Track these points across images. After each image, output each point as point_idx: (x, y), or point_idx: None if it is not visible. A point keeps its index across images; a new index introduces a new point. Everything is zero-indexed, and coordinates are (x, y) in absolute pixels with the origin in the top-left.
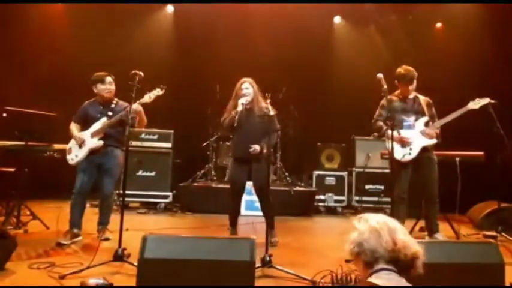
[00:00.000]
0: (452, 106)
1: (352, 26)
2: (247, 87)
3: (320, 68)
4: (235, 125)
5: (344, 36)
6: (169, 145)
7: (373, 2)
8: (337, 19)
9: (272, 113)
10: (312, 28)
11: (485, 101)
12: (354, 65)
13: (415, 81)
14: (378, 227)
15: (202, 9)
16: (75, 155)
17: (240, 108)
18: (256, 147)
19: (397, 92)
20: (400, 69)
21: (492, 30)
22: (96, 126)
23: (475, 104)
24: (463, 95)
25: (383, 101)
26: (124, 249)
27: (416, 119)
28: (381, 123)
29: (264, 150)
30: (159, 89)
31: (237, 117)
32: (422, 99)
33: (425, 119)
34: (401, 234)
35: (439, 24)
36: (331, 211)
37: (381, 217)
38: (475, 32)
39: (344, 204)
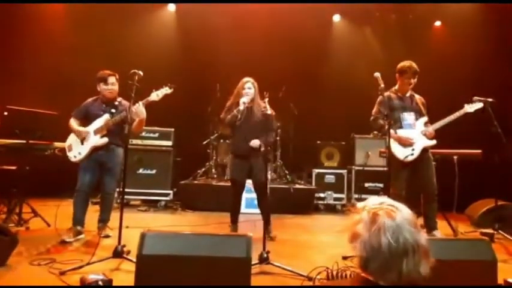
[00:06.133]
0: (450, 105)
1: (351, 24)
2: (250, 87)
3: (320, 66)
4: (237, 123)
5: (343, 34)
6: (169, 143)
7: (372, 1)
8: (336, 17)
9: (269, 112)
10: (311, 27)
11: (479, 105)
12: (353, 64)
13: (416, 77)
14: None
15: (203, 8)
16: (78, 152)
17: (241, 107)
18: (256, 142)
19: (394, 88)
20: (405, 63)
21: (491, 30)
22: (99, 123)
23: (470, 108)
24: (461, 94)
25: (381, 98)
26: (124, 246)
27: (416, 119)
28: (381, 121)
29: (262, 149)
30: (167, 88)
31: (239, 115)
32: (418, 97)
33: (424, 119)
34: None
35: (438, 23)
36: (330, 209)
37: None
38: (474, 31)
39: (343, 202)
